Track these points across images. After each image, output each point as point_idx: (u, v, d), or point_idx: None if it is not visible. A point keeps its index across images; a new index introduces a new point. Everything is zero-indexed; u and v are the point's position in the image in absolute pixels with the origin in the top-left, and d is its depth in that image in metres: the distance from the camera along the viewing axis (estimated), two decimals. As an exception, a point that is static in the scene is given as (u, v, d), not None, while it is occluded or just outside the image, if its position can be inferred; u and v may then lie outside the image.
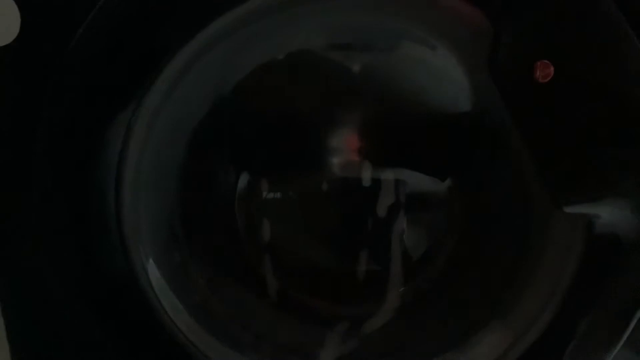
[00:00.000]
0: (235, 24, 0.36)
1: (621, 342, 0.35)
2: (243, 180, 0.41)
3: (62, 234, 0.34)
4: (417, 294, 0.42)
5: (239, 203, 0.40)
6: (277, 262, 0.41)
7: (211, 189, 0.40)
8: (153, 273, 0.36)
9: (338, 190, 0.41)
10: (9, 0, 0.32)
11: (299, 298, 0.41)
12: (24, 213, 0.34)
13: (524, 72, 0.33)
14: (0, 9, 0.32)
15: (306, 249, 0.42)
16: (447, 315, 0.41)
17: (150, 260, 0.36)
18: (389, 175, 0.41)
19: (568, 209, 0.34)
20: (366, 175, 0.41)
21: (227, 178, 0.40)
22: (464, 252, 0.41)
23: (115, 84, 0.34)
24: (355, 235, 0.41)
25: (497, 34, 0.34)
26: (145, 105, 0.35)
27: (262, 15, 0.36)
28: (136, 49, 0.34)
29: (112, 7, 0.33)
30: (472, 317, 0.40)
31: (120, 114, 0.35)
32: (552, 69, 0.33)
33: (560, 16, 0.33)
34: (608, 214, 0.34)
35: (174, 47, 0.35)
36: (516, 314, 0.38)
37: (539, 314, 0.37)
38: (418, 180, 0.41)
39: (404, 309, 0.41)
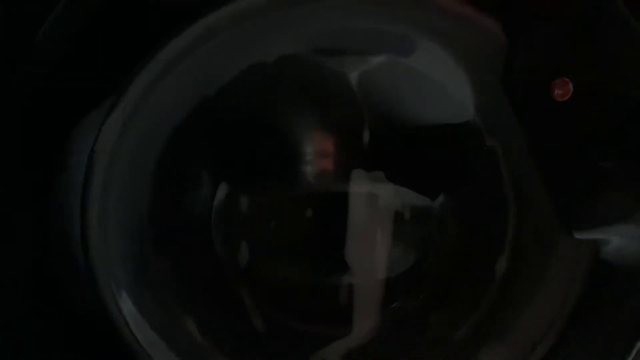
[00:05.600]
0: (221, 25, 0.32)
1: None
2: (221, 193, 0.37)
3: (22, 266, 0.30)
4: (404, 313, 0.40)
5: (215, 222, 0.37)
6: (258, 286, 0.37)
7: (186, 205, 0.36)
8: (126, 306, 0.32)
9: (323, 204, 0.38)
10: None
11: (282, 321, 0.38)
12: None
13: (540, 90, 0.31)
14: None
15: (288, 268, 0.39)
16: (438, 336, 0.39)
17: (123, 293, 0.32)
18: (378, 190, 0.38)
19: (578, 234, 0.33)
20: (354, 189, 0.38)
21: (204, 191, 0.37)
22: (454, 270, 0.39)
23: (84, 88, 0.30)
24: (340, 252, 0.39)
25: (513, 49, 0.31)
26: (117, 112, 0.31)
27: (250, 17, 0.33)
28: (109, 49, 0.29)
29: (81, 5, 0.29)
30: (464, 337, 0.38)
31: (89, 123, 0.31)
32: (570, 86, 0.31)
33: (578, 31, 0.31)
34: (618, 240, 0.33)
35: (153, 48, 0.30)
36: (517, 337, 0.36)
37: (540, 338, 0.36)
38: (409, 196, 0.38)
39: (390, 327, 0.39)
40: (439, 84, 0.36)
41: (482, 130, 0.36)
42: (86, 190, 0.31)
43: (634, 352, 0.34)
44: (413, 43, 0.35)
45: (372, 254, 0.39)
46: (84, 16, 0.29)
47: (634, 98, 0.31)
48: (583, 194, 0.32)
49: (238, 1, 0.32)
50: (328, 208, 0.39)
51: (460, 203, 0.38)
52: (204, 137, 0.36)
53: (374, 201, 0.39)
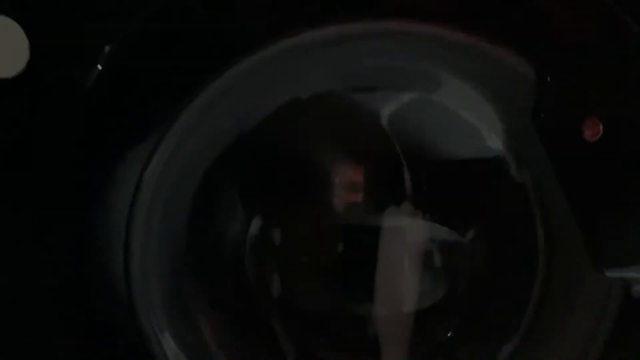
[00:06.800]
0: (260, 65, 0.33)
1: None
2: (255, 226, 0.38)
3: (61, 292, 0.31)
4: (434, 346, 0.40)
5: (249, 254, 0.38)
6: (290, 316, 0.38)
7: (221, 236, 0.37)
8: (168, 345, 0.33)
9: (354, 238, 0.39)
10: (18, 28, 0.28)
11: (313, 351, 0.39)
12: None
13: (571, 130, 0.31)
14: (8, 38, 0.28)
15: (319, 300, 0.40)
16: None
17: (166, 334, 0.33)
18: (408, 224, 0.39)
19: (608, 273, 0.33)
20: (385, 223, 0.39)
21: (238, 224, 0.37)
22: (483, 304, 0.39)
23: (132, 123, 0.31)
24: (370, 285, 0.39)
25: (543, 86, 0.32)
26: (164, 146, 0.32)
27: (287, 57, 0.34)
28: (157, 87, 0.31)
29: (130, 42, 0.30)
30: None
31: (134, 155, 0.32)
32: (600, 126, 0.31)
33: (609, 72, 0.31)
34: (650, 280, 0.33)
35: (195, 87, 0.32)
36: None
37: None
38: (439, 230, 0.39)
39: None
40: (467, 120, 0.36)
41: (511, 166, 0.37)
42: (130, 221, 0.32)
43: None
44: (442, 81, 0.36)
45: (401, 287, 0.40)
46: (136, 53, 0.30)
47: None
48: (614, 232, 0.32)
49: (276, 43, 0.33)
50: (359, 241, 0.39)
51: (490, 238, 0.39)
52: (240, 171, 0.37)
53: (404, 235, 0.39)
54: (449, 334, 0.40)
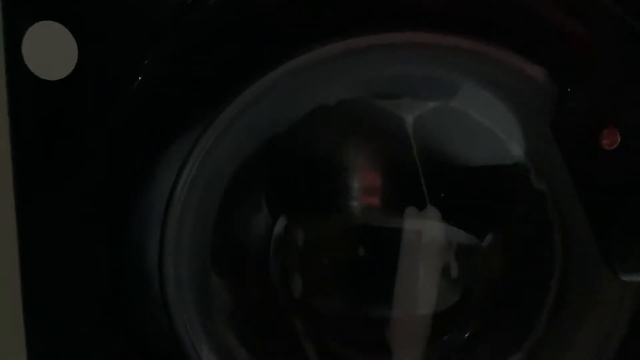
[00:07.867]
0: (293, 71, 0.34)
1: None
2: (280, 226, 0.39)
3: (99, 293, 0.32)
4: (450, 347, 0.41)
5: (273, 253, 0.39)
6: (310, 316, 0.39)
7: (247, 234, 0.39)
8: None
9: (375, 240, 0.40)
10: (66, 32, 0.30)
11: (333, 350, 0.40)
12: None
13: (589, 138, 0.33)
14: (57, 40, 0.30)
15: (339, 301, 0.41)
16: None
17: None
18: (428, 227, 0.40)
19: (623, 277, 0.34)
20: (405, 226, 0.40)
21: (264, 223, 0.39)
22: (500, 307, 0.40)
23: (172, 123, 0.32)
24: (390, 286, 0.40)
25: (563, 97, 0.33)
26: (200, 145, 0.33)
27: (317, 65, 0.35)
28: (200, 88, 0.32)
29: (171, 51, 0.31)
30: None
31: (171, 152, 0.33)
32: (618, 136, 0.32)
33: (628, 83, 0.33)
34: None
35: (229, 95, 0.33)
36: None
37: None
38: (458, 234, 0.40)
39: None
40: (489, 127, 0.37)
41: (530, 173, 0.38)
42: (165, 219, 0.33)
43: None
44: (464, 89, 0.37)
45: (420, 289, 0.41)
46: (176, 61, 0.32)
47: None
48: (629, 237, 0.34)
49: (308, 53, 0.34)
50: (379, 244, 0.40)
51: (508, 242, 0.40)
52: (267, 172, 0.38)
53: (423, 238, 0.40)
54: (465, 336, 0.41)
